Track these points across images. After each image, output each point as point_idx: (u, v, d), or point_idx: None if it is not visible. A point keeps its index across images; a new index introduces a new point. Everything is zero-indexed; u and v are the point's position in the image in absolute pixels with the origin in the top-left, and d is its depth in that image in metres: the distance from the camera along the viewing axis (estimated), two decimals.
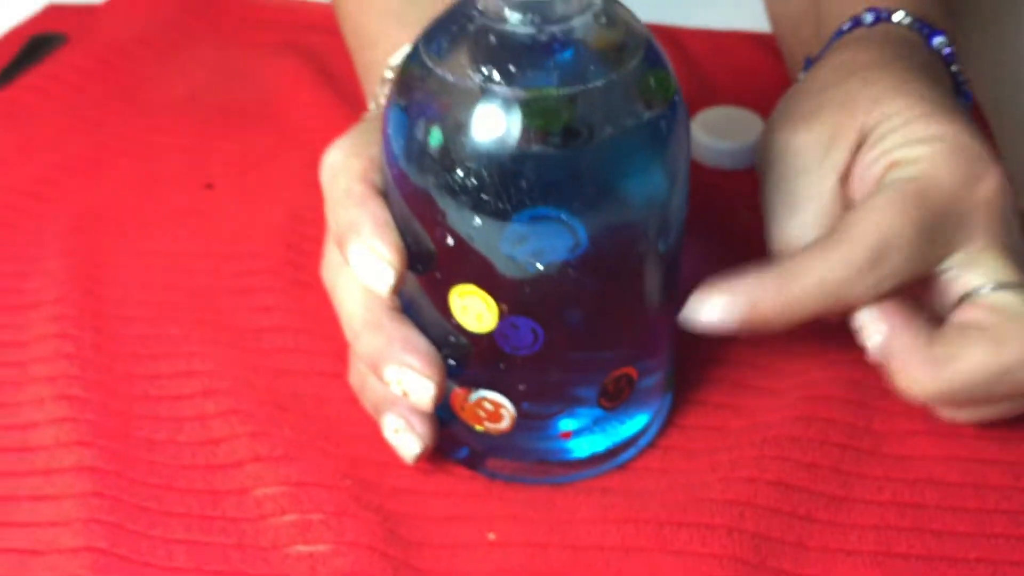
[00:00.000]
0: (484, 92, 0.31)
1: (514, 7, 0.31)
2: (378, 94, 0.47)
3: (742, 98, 0.57)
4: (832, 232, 0.37)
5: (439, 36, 0.33)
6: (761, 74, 0.60)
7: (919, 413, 0.40)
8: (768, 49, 0.61)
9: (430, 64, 0.32)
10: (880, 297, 0.36)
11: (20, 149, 0.55)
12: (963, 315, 0.37)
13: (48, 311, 0.45)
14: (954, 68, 0.44)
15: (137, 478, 0.39)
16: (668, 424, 0.40)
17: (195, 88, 0.60)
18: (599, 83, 0.31)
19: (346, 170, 0.36)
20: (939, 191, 0.37)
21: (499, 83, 0.31)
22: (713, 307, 0.36)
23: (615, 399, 0.37)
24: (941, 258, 0.37)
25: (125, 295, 0.47)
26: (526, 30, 0.31)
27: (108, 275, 0.47)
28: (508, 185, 0.31)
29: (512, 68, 0.31)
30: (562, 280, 0.33)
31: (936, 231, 0.37)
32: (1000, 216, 0.38)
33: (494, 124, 0.31)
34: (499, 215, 0.31)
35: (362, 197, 0.35)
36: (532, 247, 0.32)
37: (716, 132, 0.54)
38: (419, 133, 0.32)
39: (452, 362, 0.36)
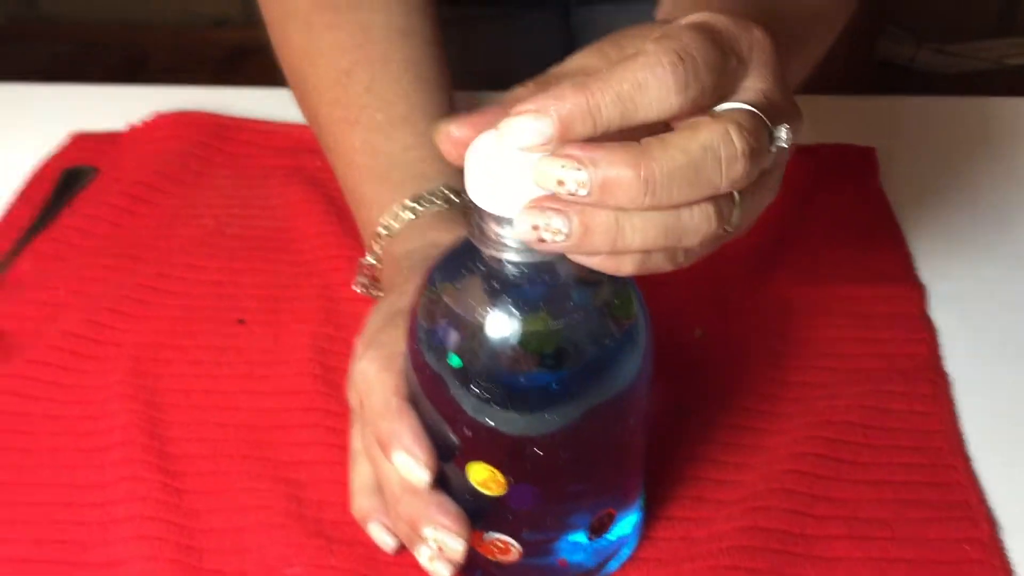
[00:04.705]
0: (490, 326, 0.40)
1: (513, 266, 0.39)
2: (374, 247, 0.57)
3: None
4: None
5: (451, 272, 0.41)
6: None
7: (843, 517, 0.50)
8: None
9: (445, 298, 0.41)
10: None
11: (72, 291, 0.63)
12: None
13: (119, 454, 0.53)
14: None
15: None
16: (643, 538, 0.50)
17: (219, 219, 0.67)
18: (579, 315, 0.40)
19: (380, 384, 0.45)
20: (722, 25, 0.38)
21: (501, 318, 0.39)
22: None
23: (599, 531, 0.46)
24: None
25: (182, 434, 0.55)
26: (521, 281, 0.39)
27: (166, 417, 0.56)
28: (512, 395, 0.40)
29: (511, 307, 0.39)
30: (554, 456, 0.42)
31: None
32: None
33: (499, 351, 0.40)
34: (506, 414, 0.40)
35: (399, 411, 0.44)
36: (532, 436, 0.41)
37: None
38: (441, 354, 0.41)
39: (469, 514, 0.45)
